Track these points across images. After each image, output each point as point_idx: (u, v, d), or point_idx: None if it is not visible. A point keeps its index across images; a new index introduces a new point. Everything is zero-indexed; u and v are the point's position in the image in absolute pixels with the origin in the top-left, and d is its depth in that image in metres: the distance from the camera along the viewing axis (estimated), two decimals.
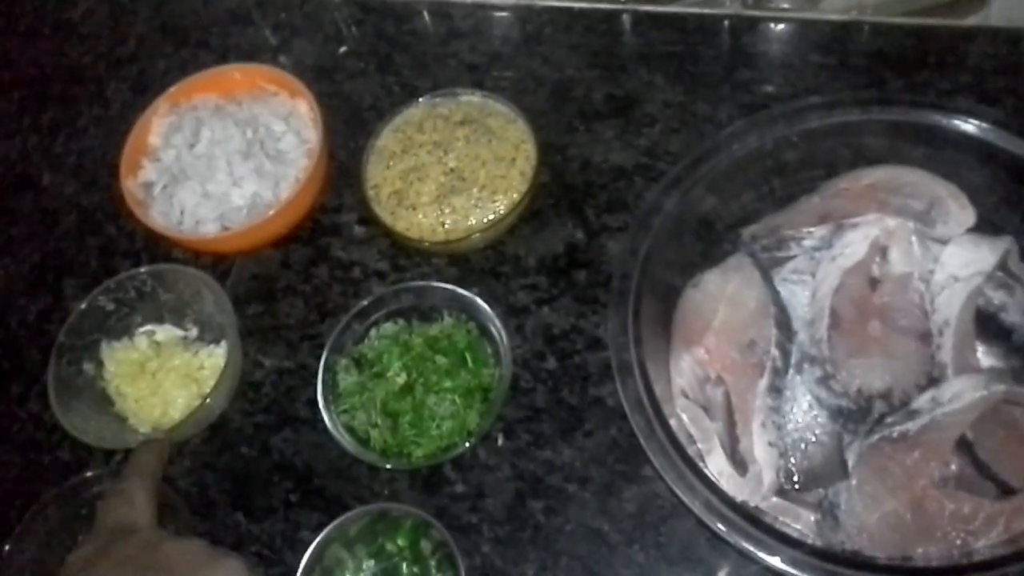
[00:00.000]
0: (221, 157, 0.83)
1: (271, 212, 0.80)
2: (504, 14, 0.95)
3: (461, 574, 0.66)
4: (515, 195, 0.79)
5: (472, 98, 0.85)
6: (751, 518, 0.60)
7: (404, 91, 0.92)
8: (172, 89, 0.88)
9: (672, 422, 0.64)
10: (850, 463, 0.64)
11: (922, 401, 0.64)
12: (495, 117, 0.84)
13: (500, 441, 0.75)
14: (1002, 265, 0.67)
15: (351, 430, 0.74)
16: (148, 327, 0.82)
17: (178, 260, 0.86)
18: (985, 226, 0.70)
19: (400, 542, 0.70)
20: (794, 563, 0.58)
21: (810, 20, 0.88)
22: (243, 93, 0.89)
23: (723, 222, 0.75)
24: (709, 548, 0.68)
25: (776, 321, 0.68)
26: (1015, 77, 0.82)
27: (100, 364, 0.79)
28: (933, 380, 0.65)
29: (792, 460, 0.65)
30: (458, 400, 0.73)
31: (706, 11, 0.90)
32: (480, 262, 0.82)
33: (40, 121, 1.00)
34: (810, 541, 0.62)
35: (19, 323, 0.87)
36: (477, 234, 0.78)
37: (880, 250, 0.69)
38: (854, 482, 0.63)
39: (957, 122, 0.70)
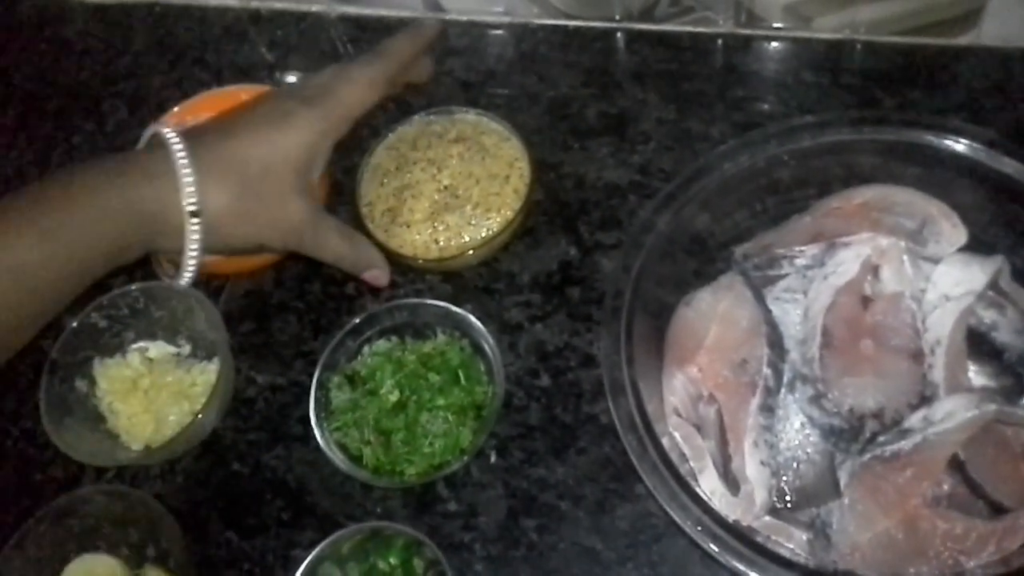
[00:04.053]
0: None
1: None
2: (499, 32, 0.95)
3: None
4: (509, 213, 0.80)
5: (466, 116, 0.86)
6: (743, 538, 0.60)
7: (398, 108, 0.91)
8: (176, 108, 0.87)
9: (665, 441, 0.64)
10: (842, 482, 0.64)
11: (914, 420, 0.64)
12: (489, 135, 0.84)
13: (493, 459, 0.75)
14: (993, 284, 0.68)
15: (344, 447, 0.74)
16: (141, 344, 0.82)
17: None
18: (977, 245, 0.70)
19: (392, 560, 0.69)
20: None
21: (803, 39, 0.89)
22: None
23: (716, 240, 0.75)
24: (703, 567, 0.68)
25: (768, 340, 0.68)
26: (1007, 96, 0.82)
27: (92, 381, 0.79)
28: (925, 399, 0.65)
29: (784, 479, 0.65)
30: (451, 418, 0.73)
31: (700, 30, 0.91)
32: (474, 279, 0.82)
33: (36, 137, 1.00)
34: (802, 561, 0.62)
35: None
36: (471, 251, 0.78)
37: (872, 269, 0.69)
38: (846, 501, 0.63)
39: (949, 142, 0.70)
